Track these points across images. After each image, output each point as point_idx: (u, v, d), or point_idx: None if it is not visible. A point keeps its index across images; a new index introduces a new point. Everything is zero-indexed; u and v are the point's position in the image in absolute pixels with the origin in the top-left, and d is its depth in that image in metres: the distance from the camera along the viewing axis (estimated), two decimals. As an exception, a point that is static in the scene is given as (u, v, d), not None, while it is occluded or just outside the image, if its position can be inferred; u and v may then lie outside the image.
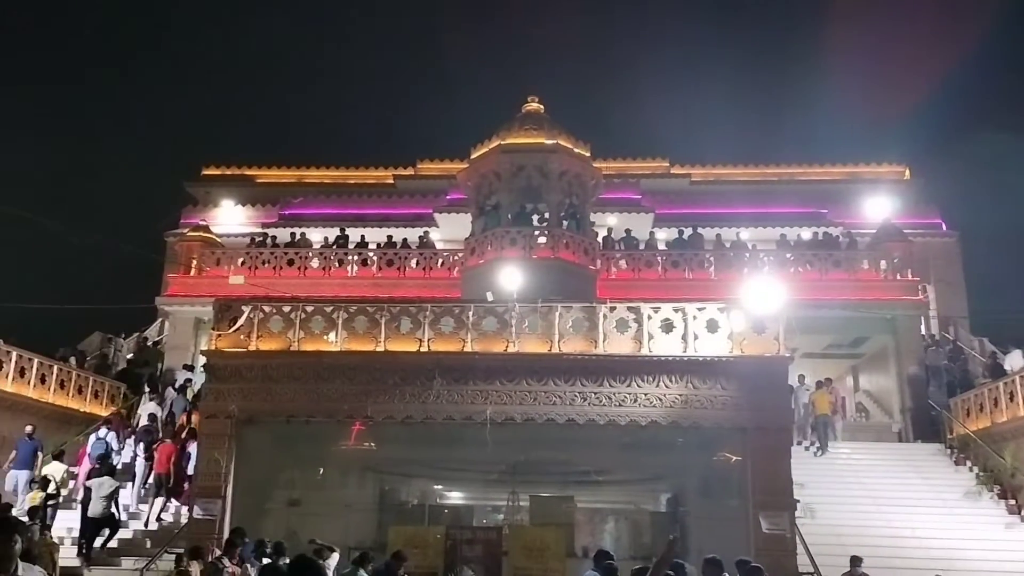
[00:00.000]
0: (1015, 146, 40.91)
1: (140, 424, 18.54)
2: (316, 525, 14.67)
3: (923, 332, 22.46)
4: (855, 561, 11.91)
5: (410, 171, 30.35)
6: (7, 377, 17.39)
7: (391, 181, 29.80)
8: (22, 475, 15.61)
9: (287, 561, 11.09)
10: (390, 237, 24.86)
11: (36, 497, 14.20)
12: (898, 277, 21.81)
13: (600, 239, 22.61)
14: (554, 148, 19.90)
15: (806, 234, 24.94)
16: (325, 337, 13.92)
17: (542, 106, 20.92)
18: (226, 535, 12.36)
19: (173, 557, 11.80)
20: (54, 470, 15.41)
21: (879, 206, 24.03)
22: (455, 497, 20.09)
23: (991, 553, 13.64)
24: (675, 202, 26.51)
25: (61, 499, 15.34)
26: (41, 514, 13.35)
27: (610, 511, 19.90)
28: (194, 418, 17.21)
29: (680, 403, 13.02)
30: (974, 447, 17.32)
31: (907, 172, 29.33)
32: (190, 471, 15.13)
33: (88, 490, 14.38)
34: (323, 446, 15.28)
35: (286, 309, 14.17)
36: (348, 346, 13.80)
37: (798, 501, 13.02)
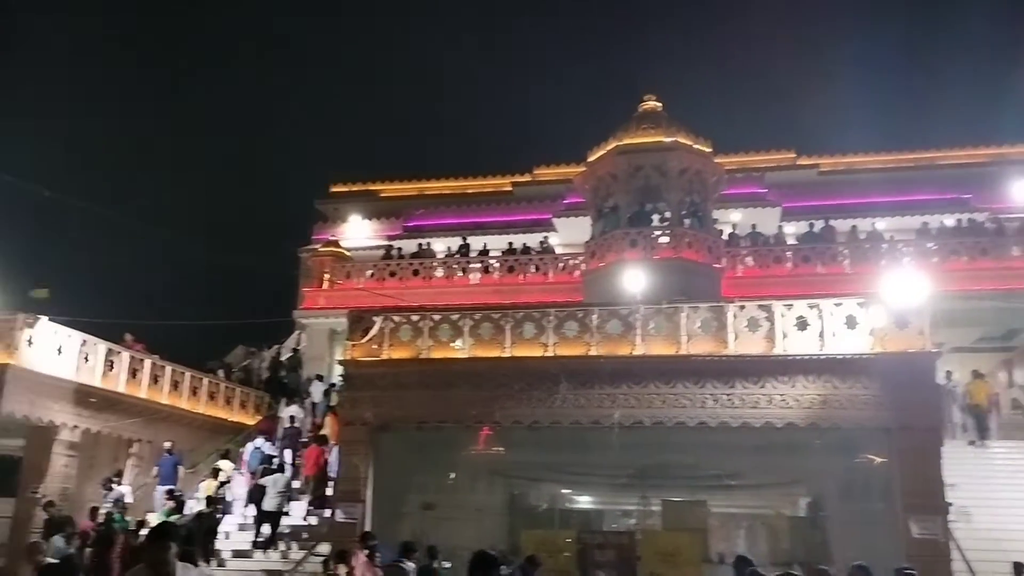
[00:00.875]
0: None
1: (283, 426, 19.47)
2: (449, 529, 14.96)
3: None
4: (1019, 568, 11.07)
5: (527, 178, 30.57)
6: (162, 390, 18.65)
7: (509, 188, 30.10)
8: (161, 493, 16.17)
9: (444, 564, 11.39)
10: (510, 244, 25.13)
11: (210, 487, 15.78)
12: (1053, 264, 20.18)
13: (724, 236, 22.06)
14: (673, 146, 19.59)
15: (949, 221, 23.46)
16: (452, 344, 14.18)
17: (660, 104, 20.62)
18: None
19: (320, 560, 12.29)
20: (224, 466, 16.72)
21: (1029, 188, 22.34)
22: (584, 501, 20.03)
23: None
24: (803, 194, 25.50)
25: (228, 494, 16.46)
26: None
27: (745, 516, 19.34)
28: (327, 422, 17.97)
29: (818, 403, 12.51)
30: None
31: (1060, 150, 27.13)
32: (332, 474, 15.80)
33: (262, 487, 15.36)
34: (453, 451, 15.57)
35: (414, 318, 14.54)
36: (474, 353, 14.01)
37: (951, 504, 12.22)
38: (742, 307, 13.29)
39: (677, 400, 12.95)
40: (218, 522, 15.26)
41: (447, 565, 11.87)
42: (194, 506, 15.85)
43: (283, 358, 25.25)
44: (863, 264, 20.69)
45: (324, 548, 13.72)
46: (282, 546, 15.25)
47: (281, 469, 16.20)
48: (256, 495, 15.58)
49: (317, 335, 24.39)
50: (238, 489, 17.06)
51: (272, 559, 14.83)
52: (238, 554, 14.96)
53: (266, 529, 15.25)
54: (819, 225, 23.11)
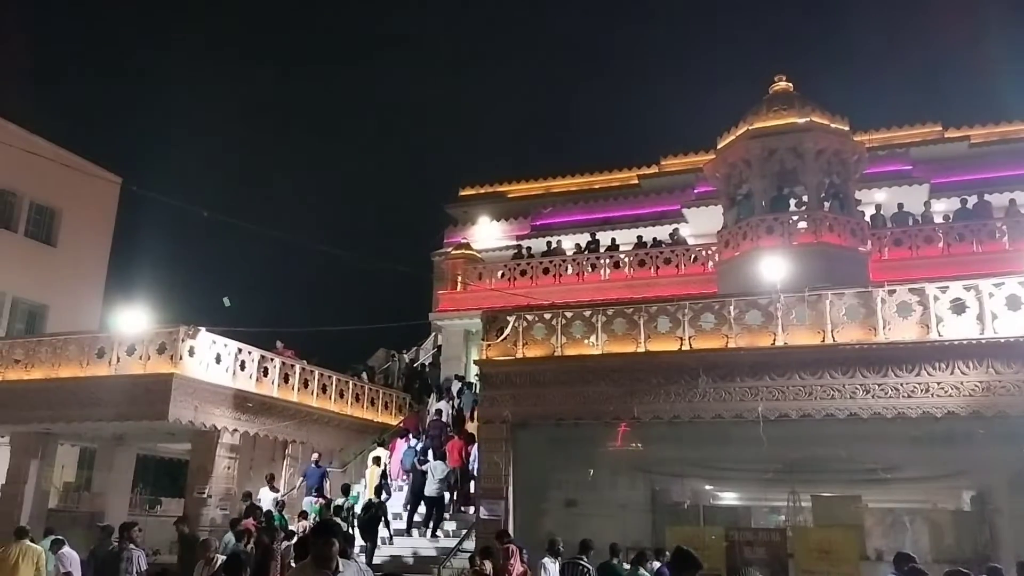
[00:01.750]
0: None
1: (430, 419, 20.12)
2: (592, 525, 14.96)
3: None
4: None
5: (654, 169, 30.11)
6: (312, 393, 19.60)
7: (636, 182, 29.75)
8: (312, 502, 16.78)
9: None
10: (639, 237, 24.84)
11: (375, 473, 17.35)
12: None
13: (868, 218, 20.99)
14: (808, 126, 18.85)
15: (1126, 188, 21.38)
16: (586, 341, 14.18)
17: (791, 84, 19.86)
18: (511, 534, 12.99)
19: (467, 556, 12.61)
20: (382, 454, 18.08)
21: None
22: (729, 497, 19.58)
23: None
24: (953, 169, 23.86)
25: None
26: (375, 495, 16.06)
27: (905, 511, 18.34)
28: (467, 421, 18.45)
29: (981, 391, 11.71)
30: None
31: None
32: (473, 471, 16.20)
33: (424, 474, 16.42)
34: (592, 447, 15.57)
35: (547, 316, 14.64)
36: (609, 348, 13.96)
37: None
38: (892, 292, 12.60)
39: (825, 391, 12.42)
40: (385, 509, 15.95)
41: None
42: (361, 495, 16.96)
43: (422, 359, 26.03)
44: (1025, 240, 19.16)
45: (469, 544, 14.06)
46: (440, 534, 16.10)
47: (444, 458, 16.92)
48: (418, 482, 16.51)
49: (453, 336, 24.96)
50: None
51: (427, 544, 15.76)
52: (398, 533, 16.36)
53: (421, 512, 16.39)
54: (972, 201, 21.57)
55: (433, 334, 26.91)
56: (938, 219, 21.99)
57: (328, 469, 18.39)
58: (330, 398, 20.17)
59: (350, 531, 15.11)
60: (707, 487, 19.54)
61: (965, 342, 11.94)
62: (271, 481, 17.66)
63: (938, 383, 11.90)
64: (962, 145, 25.82)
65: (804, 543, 12.87)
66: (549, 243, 26.20)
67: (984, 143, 25.84)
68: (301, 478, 18.28)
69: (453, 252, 26.55)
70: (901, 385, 12.05)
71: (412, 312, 27.48)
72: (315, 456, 18.13)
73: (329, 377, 20.32)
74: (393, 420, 21.97)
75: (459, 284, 25.09)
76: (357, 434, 21.06)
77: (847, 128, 19.11)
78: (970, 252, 19.65)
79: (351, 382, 21.24)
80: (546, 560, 11.29)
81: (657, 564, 11.54)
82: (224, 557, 9.76)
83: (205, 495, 16.39)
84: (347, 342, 25.21)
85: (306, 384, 19.43)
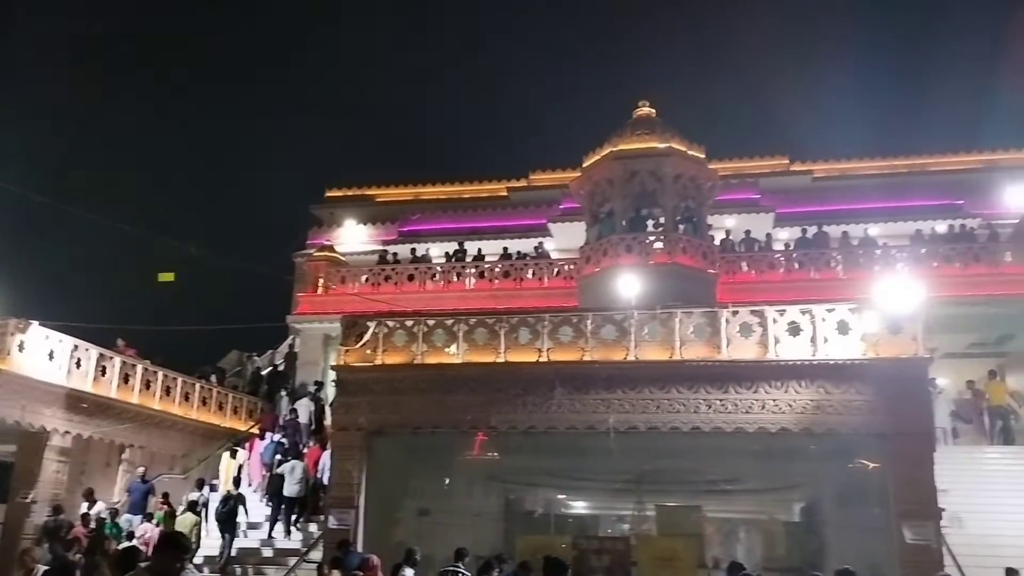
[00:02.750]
0: None
1: (285, 419, 19.61)
2: (445, 534, 14.94)
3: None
4: (1011, 573, 11.09)
5: (523, 183, 30.62)
6: (155, 396, 18.59)
7: (505, 193, 30.14)
8: (135, 520, 15.81)
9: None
10: (506, 249, 25.17)
11: (232, 466, 17.12)
12: (1046, 269, 20.28)
13: (719, 241, 22.13)
14: (667, 152, 19.64)
15: (941, 227, 23.57)
16: (447, 350, 14.18)
17: (654, 110, 20.67)
18: (360, 545, 12.78)
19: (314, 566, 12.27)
20: (240, 454, 17.82)
21: (1021, 194, 22.41)
22: (580, 506, 20.03)
23: None
24: (796, 200, 25.59)
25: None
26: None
27: (741, 521, 19.38)
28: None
29: (812, 409, 12.53)
30: None
31: (1052, 156, 27.26)
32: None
33: (281, 476, 16.22)
34: (449, 456, 15.55)
35: (409, 323, 14.53)
36: (469, 358, 14.01)
37: (943, 509, 12.24)
38: (735, 312, 13.31)
39: (671, 405, 12.95)
40: (243, 499, 15.92)
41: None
42: (220, 488, 16.84)
43: (278, 362, 25.22)
44: (856, 270, 20.75)
45: (316, 554, 13.70)
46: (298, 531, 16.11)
47: (300, 456, 16.75)
48: (275, 484, 16.32)
49: (311, 340, 24.35)
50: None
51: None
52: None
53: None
54: (812, 231, 23.18)
55: (291, 337, 26.13)
56: (780, 246, 23.47)
57: (160, 479, 17.52)
58: (174, 401, 19.20)
59: (204, 523, 15.28)
60: (559, 496, 19.91)
61: (799, 362, 12.75)
62: (89, 496, 16.24)
63: (774, 400, 12.65)
64: (806, 178, 27.72)
65: (647, 551, 13.35)
66: (414, 250, 26.08)
67: (825, 178, 27.88)
68: (126, 493, 17.18)
69: (316, 254, 25.94)
70: (740, 401, 12.73)
71: (270, 314, 26.55)
72: (140, 470, 17.13)
73: (174, 379, 19.33)
74: (242, 425, 21.13)
75: (320, 287, 24.53)
76: (203, 439, 20.13)
77: (703, 156, 20.07)
78: (808, 278, 21.07)
79: (198, 384, 20.29)
80: (406, 571, 11.23)
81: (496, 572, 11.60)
82: (46, 568, 9.04)
83: (29, 500, 15.22)
84: (197, 343, 24.04)
85: (148, 385, 18.41)
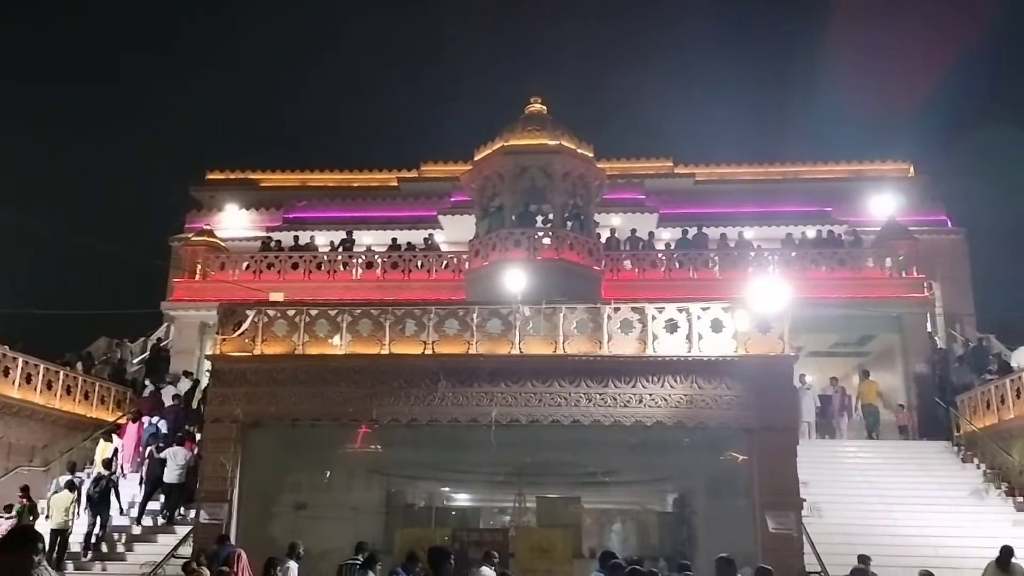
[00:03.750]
0: (1021, 142, 40.75)
1: (168, 404, 19.14)
2: (323, 529, 14.71)
3: (928, 329, 22.43)
4: (863, 560, 11.87)
5: (414, 173, 30.37)
6: (14, 383, 17.44)
7: (395, 184, 29.80)
8: None
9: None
10: (394, 240, 24.92)
11: (106, 448, 16.52)
12: (903, 275, 21.75)
13: (604, 239, 22.61)
14: (557, 149, 19.89)
15: (811, 232, 24.87)
16: (330, 340, 13.93)
17: (545, 107, 20.90)
18: (233, 539, 12.41)
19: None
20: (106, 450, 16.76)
21: (884, 204, 23.92)
22: (462, 499, 20.10)
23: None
24: (679, 202, 26.46)
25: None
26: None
27: (617, 512, 19.93)
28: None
29: (685, 403, 13.01)
30: (981, 444, 17.26)
31: (911, 169, 29.19)
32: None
33: (163, 460, 15.89)
34: (329, 449, 15.30)
35: (290, 313, 14.19)
36: (353, 349, 13.81)
37: (804, 500, 12.97)
38: (617, 309, 13.65)
39: (553, 399, 13.17)
40: (116, 482, 15.64)
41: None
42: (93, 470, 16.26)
43: (148, 351, 24.17)
44: (732, 270, 21.64)
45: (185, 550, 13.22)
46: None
47: (182, 442, 16.26)
48: (155, 470, 15.99)
49: (187, 328, 23.37)
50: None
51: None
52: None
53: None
54: (693, 232, 24.02)
55: (165, 324, 25.04)
56: (662, 246, 24.23)
57: (18, 472, 16.53)
58: (35, 389, 18.05)
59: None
60: (442, 489, 19.92)
61: (675, 358, 13.21)
62: None
63: (650, 395, 13.06)
64: (689, 181, 28.69)
65: (526, 542, 13.54)
66: (297, 238, 25.45)
67: (707, 181, 28.91)
68: None
69: (194, 238, 24.90)
70: (619, 395, 13.09)
71: (144, 300, 25.35)
72: None
73: (35, 366, 18.17)
74: (109, 415, 20.09)
75: (198, 273, 23.59)
76: (66, 430, 19.03)
77: (592, 155, 20.44)
78: (687, 278, 21.85)
79: (62, 372, 19.15)
80: (290, 564, 11.07)
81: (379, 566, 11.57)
82: None
83: None
84: (64, 329, 22.76)
85: (7, 372, 17.25)
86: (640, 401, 13.06)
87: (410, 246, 24.62)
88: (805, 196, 26.65)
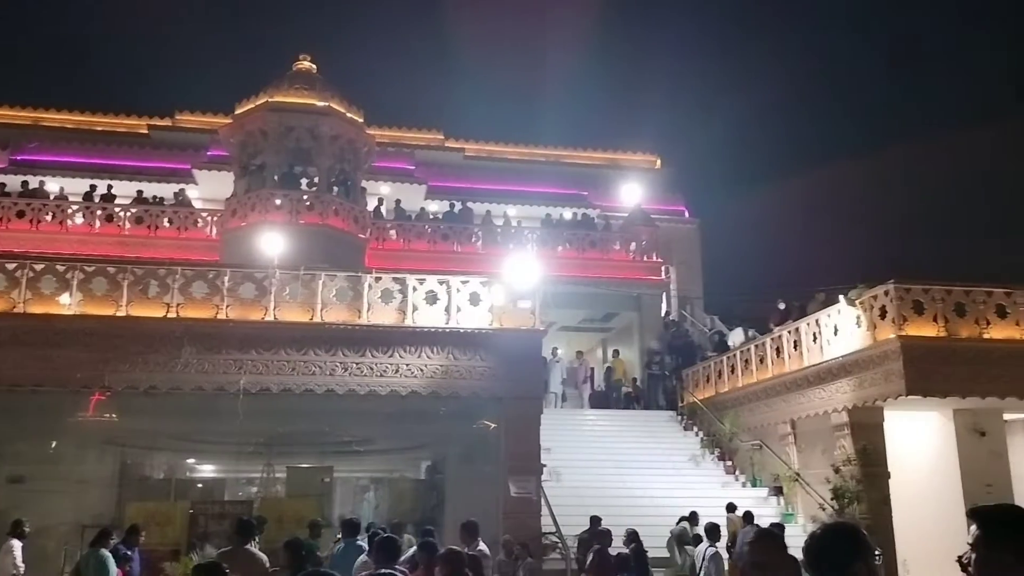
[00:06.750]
0: (753, 147, 45.76)
1: None
2: (45, 503, 13.48)
3: (664, 309, 24.61)
4: (594, 521, 12.86)
5: (167, 122, 28.15)
6: None
7: (145, 131, 27.48)
8: None
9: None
10: (140, 192, 23.02)
11: None
12: (644, 259, 23.64)
13: (372, 208, 22.41)
14: (326, 111, 19.40)
15: (568, 214, 26.28)
16: (58, 299, 12.64)
17: (315, 66, 20.25)
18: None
19: None
20: None
21: (631, 192, 25.72)
22: (206, 470, 19.30)
23: (710, 509, 15.20)
24: (448, 175, 26.79)
25: None
26: None
27: (371, 480, 20.07)
28: None
29: (441, 373, 13.28)
30: (700, 414, 19.27)
31: (658, 162, 31.67)
32: None
33: None
34: (56, 418, 13.94)
35: (11, 267, 12.71)
36: (84, 309, 12.63)
37: (544, 466, 13.78)
38: (378, 278, 13.62)
39: (307, 367, 12.90)
40: None
41: None
42: None
43: None
44: (493, 246, 22.33)
45: None
46: None
47: None
48: None
49: None
50: None
51: None
52: None
53: None
54: (459, 206, 24.49)
55: None
56: (430, 218, 24.47)
57: None
58: None
59: None
60: (185, 460, 18.95)
61: (434, 330, 13.44)
62: None
63: (407, 365, 13.19)
64: (458, 155, 29.13)
65: (272, 513, 13.18)
66: (26, 183, 22.77)
67: (476, 157, 29.51)
68: None
69: None
70: (376, 365, 13.08)
71: None
72: None
73: None
74: None
75: None
76: None
77: (362, 120, 20.15)
78: (451, 251, 22.26)
79: None
80: (13, 542, 10.05)
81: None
82: None
83: None
84: None
85: None
86: (397, 371, 13.16)
87: (158, 200, 22.86)
88: (565, 179, 28.07)
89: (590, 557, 9.33)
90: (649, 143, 32.37)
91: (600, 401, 21.42)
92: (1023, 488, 14.54)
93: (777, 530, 10.74)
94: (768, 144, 49.71)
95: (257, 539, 7.98)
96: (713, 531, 11.34)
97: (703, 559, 11.07)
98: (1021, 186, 38.89)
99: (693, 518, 13.15)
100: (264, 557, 7.22)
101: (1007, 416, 14.73)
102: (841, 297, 14.33)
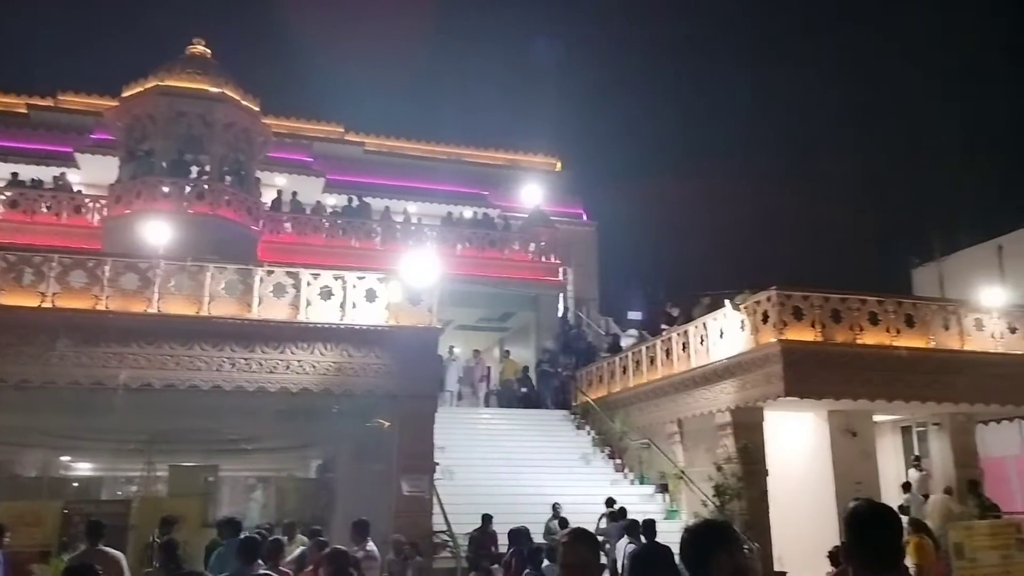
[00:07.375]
0: (649, 155, 47.00)
1: None
2: None
3: (560, 310, 24.96)
4: (486, 519, 12.92)
5: (49, 102, 26.60)
6: None
7: (24, 111, 25.89)
8: None
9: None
10: (15, 175, 21.69)
11: None
12: (543, 259, 23.93)
13: (267, 200, 21.84)
14: (220, 97, 18.79)
15: (468, 213, 26.30)
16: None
17: (209, 51, 19.56)
18: None
19: None
20: None
21: (531, 193, 26.01)
22: (82, 468, 18.42)
23: (599, 507, 15.51)
24: (347, 169, 26.36)
25: None
26: None
27: (259, 479, 19.55)
28: None
29: (334, 371, 13.04)
30: (593, 414, 19.63)
31: (558, 164, 32.07)
32: None
33: None
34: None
35: None
36: (-52, 297, 11.80)
37: (438, 464, 13.74)
38: (270, 272, 13.25)
39: (192, 362, 12.42)
40: None
41: None
42: None
43: None
44: (392, 243, 22.15)
45: None
46: None
47: None
48: None
49: None
50: None
51: None
52: None
53: None
54: (356, 201, 24.15)
55: None
56: (329, 212, 24.03)
57: None
58: None
59: None
60: (60, 458, 18.01)
61: (328, 326, 13.17)
62: None
63: (299, 361, 12.88)
64: (358, 149, 28.71)
65: (151, 513, 12.64)
66: None
67: (376, 152, 29.16)
68: None
69: None
70: (266, 361, 12.71)
71: None
72: None
73: None
74: None
75: None
76: None
77: (258, 109, 19.60)
78: (348, 246, 21.93)
79: None
80: None
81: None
82: None
83: None
84: None
85: None
86: (288, 367, 12.83)
87: (37, 183, 21.59)
88: (466, 178, 28.05)
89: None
90: (550, 145, 32.77)
91: (495, 400, 21.55)
92: (889, 486, 15.53)
93: (648, 526, 11.11)
94: (665, 148, 51.19)
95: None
96: (633, 528, 11.46)
97: (623, 556, 11.16)
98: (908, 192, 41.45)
99: (555, 509, 13.71)
100: (120, 555, 6.94)
101: (876, 418, 15.68)
102: (727, 302, 14.88)
